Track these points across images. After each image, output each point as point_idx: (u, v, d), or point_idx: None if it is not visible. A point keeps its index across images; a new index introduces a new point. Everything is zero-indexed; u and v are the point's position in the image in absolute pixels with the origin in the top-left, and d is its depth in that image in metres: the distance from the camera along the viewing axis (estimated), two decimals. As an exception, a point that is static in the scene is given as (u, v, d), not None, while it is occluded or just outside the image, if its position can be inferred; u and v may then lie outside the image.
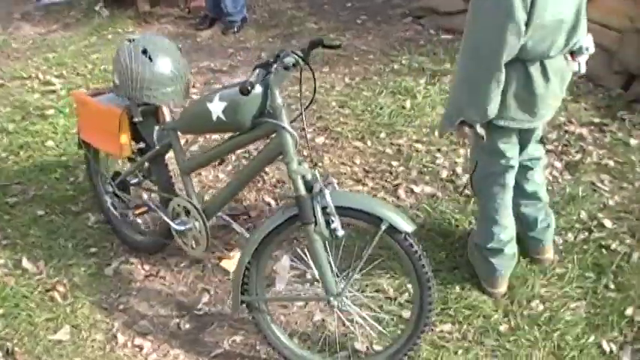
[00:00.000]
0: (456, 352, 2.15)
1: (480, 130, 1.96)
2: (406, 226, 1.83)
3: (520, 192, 2.29)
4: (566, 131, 3.24)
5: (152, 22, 5.02)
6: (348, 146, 3.27)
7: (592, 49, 1.97)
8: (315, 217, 1.81)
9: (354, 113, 3.55)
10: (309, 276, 2.40)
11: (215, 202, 2.22)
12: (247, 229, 2.66)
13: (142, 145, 2.36)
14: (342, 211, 1.82)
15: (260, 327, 2.09)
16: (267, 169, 3.12)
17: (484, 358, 2.13)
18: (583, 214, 2.70)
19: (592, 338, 2.17)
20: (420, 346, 2.06)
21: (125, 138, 2.28)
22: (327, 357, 2.14)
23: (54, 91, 3.91)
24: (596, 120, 3.31)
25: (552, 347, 2.15)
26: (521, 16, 1.74)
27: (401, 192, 2.93)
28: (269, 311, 2.11)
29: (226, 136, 2.09)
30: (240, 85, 1.68)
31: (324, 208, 1.80)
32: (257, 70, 1.73)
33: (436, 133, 1.93)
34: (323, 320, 2.31)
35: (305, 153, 2.81)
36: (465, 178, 2.94)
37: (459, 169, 3.03)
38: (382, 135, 3.34)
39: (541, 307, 2.29)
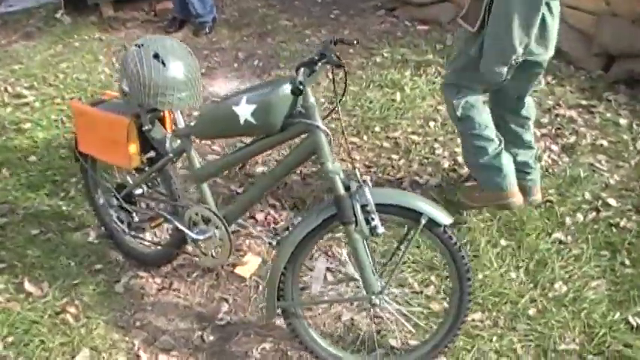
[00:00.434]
0: (490, 340, 2.16)
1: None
2: (445, 218, 1.82)
3: (521, 142, 2.56)
4: (556, 115, 3.31)
5: (118, 27, 4.84)
6: (345, 142, 3.24)
7: None
8: (355, 216, 1.77)
9: (344, 109, 3.52)
10: (341, 276, 2.36)
11: (236, 208, 2.15)
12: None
13: (151, 154, 2.26)
14: (380, 207, 1.79)
15: (297, 332, 2.04)
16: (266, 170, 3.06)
17: (518, 343, 2.15)
18: (587, 195, 2.76)
19: (618, 315, 2.22)
20: (458, 336, 2.06)
21: (134, 148, 2.18)
22: (365, 356, 2.11)
23: (27, 104, 3.72)
24: (584, 102, 3.40)
25: (582, 327, 2.19)
26: None
27: (406, 185, 2.93)
28: (305, 315, 2.06)
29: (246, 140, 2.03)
30: (292, 86, 1.64)
31: (363, 207, 1.77)
32: (301, 69, 1.68)
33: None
34: (352, 319, 2.28)
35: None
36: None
37: (459, 158, 3.05)
38: (377, 129, 3.33)
39: (564, 289, 2.33)
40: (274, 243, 2.15)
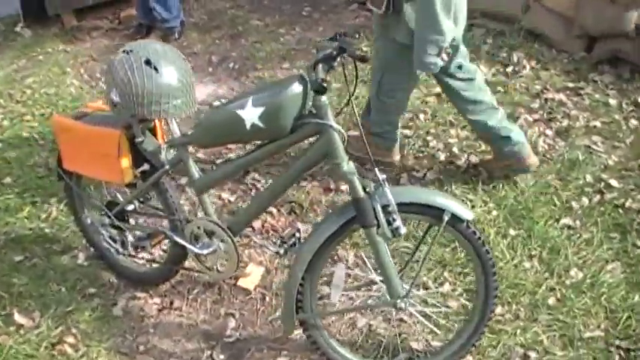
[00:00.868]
0: (514, 334, 2.10)
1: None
2: (467, 213, 1.75)
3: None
4: (546, 99, 3.28)
5: (83, 38, 4.63)
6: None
7: None
8: (377, 218, 1.68)
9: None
10: (361, 281, 2.26)
11: (241, 218, 2.03)
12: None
13: (145, 167, 2.12)
14: (401, 207, 1.70)
15: (319, 344, 1.93)
16: (258, 176, 2.95)
17: (543, 335, 2.09)
18: (589, 177, 2.73)
19: (637, 297, 2.19)
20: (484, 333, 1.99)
21: (127, 161, 2.04)
22: (389, 362, 2.02)
23: (-6, 123, 3.52)
24: (570, 85, 3.38)
25: (605, 312, 2.15)
26: None
27: (404, 181, 2.85)
28: (325, 326, 1.96)
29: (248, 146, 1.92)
30: (315, 85, 1.54)
31: (384, 207, 1.68)
32: (320, 65, 1.58)
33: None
34: (370, 325, 2.18)
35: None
36: (464, 157, 2.91)
37: (455, 149, 2.99)
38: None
39: (580, 275, 2.29)
40: (281, 252, 2.04)
